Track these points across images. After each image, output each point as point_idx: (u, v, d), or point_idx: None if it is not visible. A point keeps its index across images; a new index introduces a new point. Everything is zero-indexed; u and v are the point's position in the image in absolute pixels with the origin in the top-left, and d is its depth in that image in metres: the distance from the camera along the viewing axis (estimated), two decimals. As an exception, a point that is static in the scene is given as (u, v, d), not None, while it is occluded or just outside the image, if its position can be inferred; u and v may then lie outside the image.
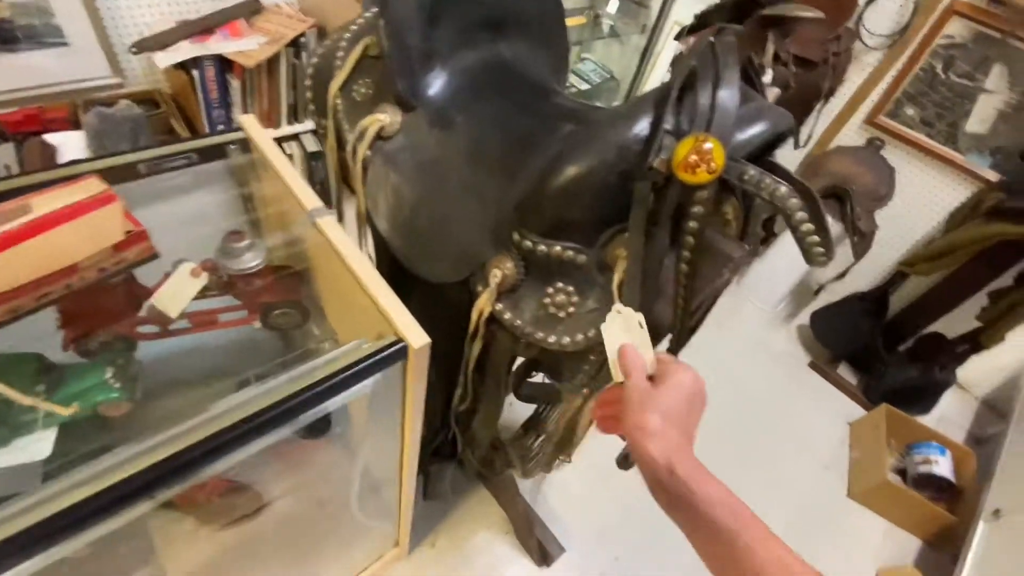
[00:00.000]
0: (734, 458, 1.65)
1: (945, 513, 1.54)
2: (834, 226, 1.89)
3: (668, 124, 0.44)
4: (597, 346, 0.53)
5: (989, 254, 1.55)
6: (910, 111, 1.91)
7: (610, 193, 0.47)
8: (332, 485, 1.06)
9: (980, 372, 2.02)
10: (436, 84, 0.63)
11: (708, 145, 0.41)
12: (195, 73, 1.56)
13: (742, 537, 0.37)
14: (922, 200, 1.94)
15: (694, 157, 0.41)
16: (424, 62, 0.63)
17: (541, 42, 0.73)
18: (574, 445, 0.85)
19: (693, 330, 0.59)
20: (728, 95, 0.43)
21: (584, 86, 2.66)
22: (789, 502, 1.60)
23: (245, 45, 1.59)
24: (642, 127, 0.45)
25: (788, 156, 2.22)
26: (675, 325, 0.50)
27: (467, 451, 0.90)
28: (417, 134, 0.63)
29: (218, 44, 1.56)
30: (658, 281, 0.49)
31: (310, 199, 0.62)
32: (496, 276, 0.53)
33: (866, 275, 2.13)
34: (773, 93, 1.63)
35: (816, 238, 0.43)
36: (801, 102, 1.76)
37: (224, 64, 1.60)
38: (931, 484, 1.64)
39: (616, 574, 1.37)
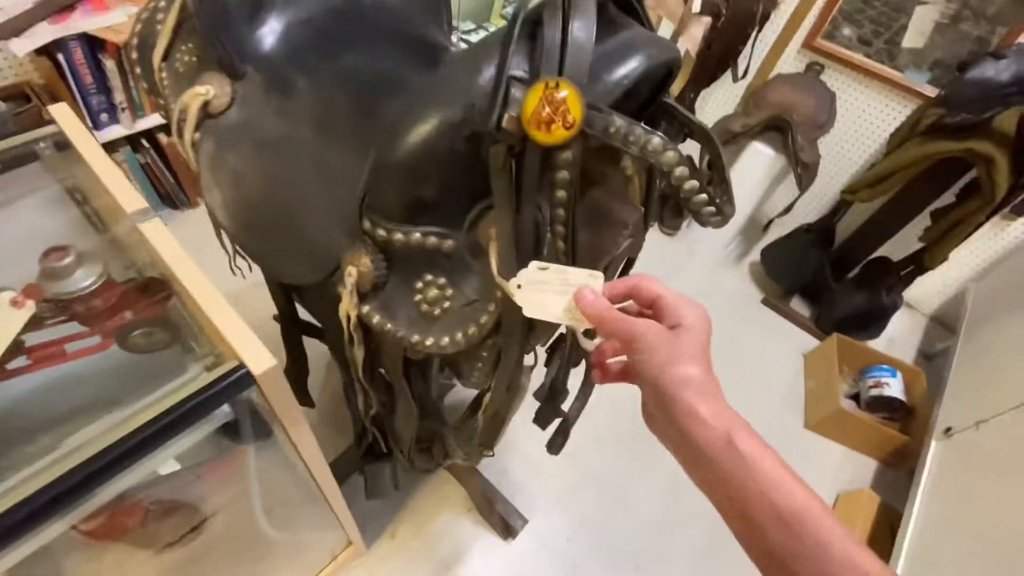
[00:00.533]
0: None
1: (898, 434, 1.58)
2: (777, 159, 1.84)
3: (518, 69, 0.35)
4: (486, 340, 0.45)
5: (929, 174, 1.53)
6: (847, 31, 1.84)
7: (464, 162, 0.38)
8: (276, 489, 1.00)
9: (927, 290, 2.05)
10: (269, 39, 0.51)
11: (562, 93, 0.32)
12: (61, 58, 1.36)
13: (813, 535, 0.29)
14: (863, 124, 1.90)
15: (547, 110, 0.32)
16: (249, 12, 0.50)
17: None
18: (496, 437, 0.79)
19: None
20: (582, 26, 0.33)
21: (514, 32, 2.49)
22: (750, 441, 1.61)
23: (113, 19, 1.39)
24: (489, 75, 0.36)
25: (731, 91, 2.14)
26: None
27: (396, 450, 0.84)
28: (253, 106, 0.51)
29: (81, 21, 1.36)
30: (539, 256, 0.40)
31: (132, 200, 0.51)
32: (351, 275, 0.44)
33: (812, 206, 2.12)
34: (703, 22, 1.53)
35: (703, 197, 0.35)
36: (735, 30, 1.66)
37: (94, 43, 1.40)
38: (884, 406, 1.68)
39: (583, 536, 1.36)
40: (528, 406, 0.65)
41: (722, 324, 1.70)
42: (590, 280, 0.37)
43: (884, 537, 1.41)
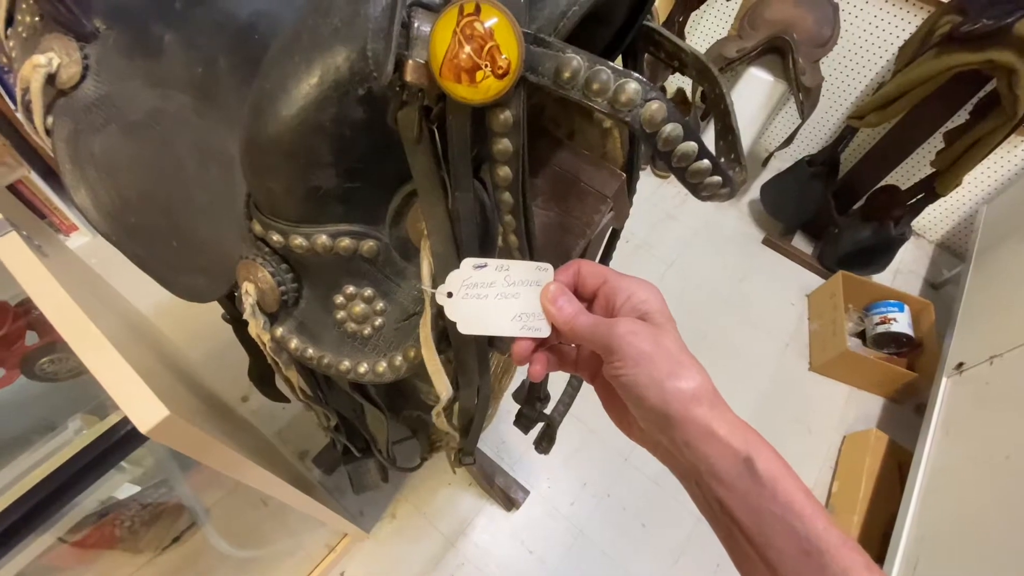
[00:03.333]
0: (695, 348, 1.58)
1: (906, 371, 1.53)
2: (777, 85, 1.69)
3: None
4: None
5: (943, 91, 1.39)
6: (851, -70, 1.64)
7: (367, 134, 0.27)
8: (255, 492, 0.96)
9: (934, 216, 1.95)
10: (121, -15, 0.39)
11: (487, 22, 0.21)
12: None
13: (834, 566, 0.25)
14: (869, 38, 1.73)
15: (467, 50, 0.21)
16: (89, -52, 0.38)
17: None
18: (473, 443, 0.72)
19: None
20: None
21: None
22: (753, 386, 1.57)
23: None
24: (381, 4, 0.24)
25: (723, 12, 1.95)
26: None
27: (375, 452, 0.76)
28: (112, 75, 0.39)
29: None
30: (491, 252, 0.31)
31: (-21, 208, 0.40)
32: (248, 293, 0.34)
33: (814, 136, 1.98)
34: (691, -69, 1.34)
35: (704, 164, 0.25)
36: (727, -62, 1.46)
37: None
38: (891, 341, 1.62)
39: (587, 500, 1.33)
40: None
41: (722, 267, 1.62)
42: (539, 275, 0.28)
43: (892, 476, 1.39)
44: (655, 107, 0.23)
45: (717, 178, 0.25)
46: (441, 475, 1.33)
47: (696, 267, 1.83)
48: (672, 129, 0.23)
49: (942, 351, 1.46)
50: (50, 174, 1.47)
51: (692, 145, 0.24)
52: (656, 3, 1.66)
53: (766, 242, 1.93)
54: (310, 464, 1.27)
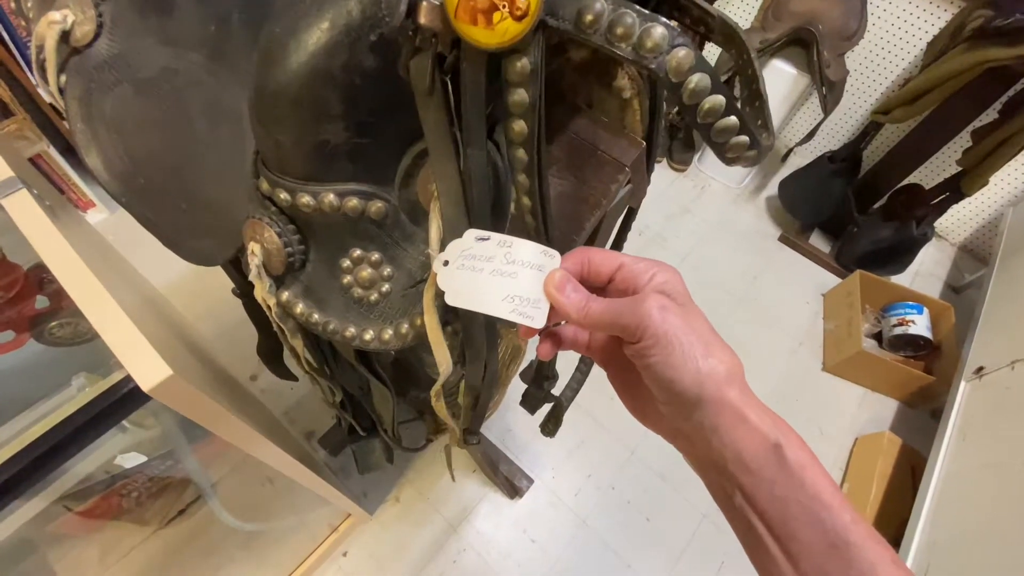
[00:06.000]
0: None
1: (923, 374, 1.49)
2: (800, 78, 1.65)
3: None
4: (445, 328, 0.35)
5: (972, 87, 1.35)
6: (883, -81, 1.59)
7: (377, 86, 0.26)
8: (262, 468, 0.97)
9: (958, 218, 1.90)
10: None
11: (508, -42, 0.20)
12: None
13: (861, 560, 0.24)
14: (896, 32, 1.69)
15: (482, -10, 0.20)
16: None
17: None
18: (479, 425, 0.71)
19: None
20: None
21: None
22: (765, 384, 1.55)
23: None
24: None
25: (746, 1, 1.91)
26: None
27: (380, 429, 0.76)
28: (126, 33, 0.39)
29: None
30: (502, 218, 0.30)
31: (-8, 166, 0.40)
32: (255, 254, 0.33)
33: (836, 131, 1.93)
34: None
35: (732, 121, 0.23)
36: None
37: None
38: (908, 344, 1.59)
39: (592, 491, 1.32)
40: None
41: (736, 263, 1.60)
42: (544, 259, 0.27)
43: (904, 480, 1.36)
44: (682, 54, 0.21)
45: (744, 138, 0.24)
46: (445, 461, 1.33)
47: (710, 262, 1.80)
48: (700, 80, 0.22)
49: (961, 355, 1.43)
50: (69, 150, 1.49)
51: (720, 99, 0.23)
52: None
53: (783, 239, 1.89)
54: (316, 445, 1.28)
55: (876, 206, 1.73)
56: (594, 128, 0.34)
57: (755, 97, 0.28)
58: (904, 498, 1.28)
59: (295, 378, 0.94)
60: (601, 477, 1.34)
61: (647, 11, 0.21)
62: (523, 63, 0.22)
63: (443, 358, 0.34)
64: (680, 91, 0.22)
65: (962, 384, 1.33)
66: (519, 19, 0.21)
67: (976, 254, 1.90)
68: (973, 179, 1.40)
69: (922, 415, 1.56)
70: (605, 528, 1.27)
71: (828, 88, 1.59)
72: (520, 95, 0.23)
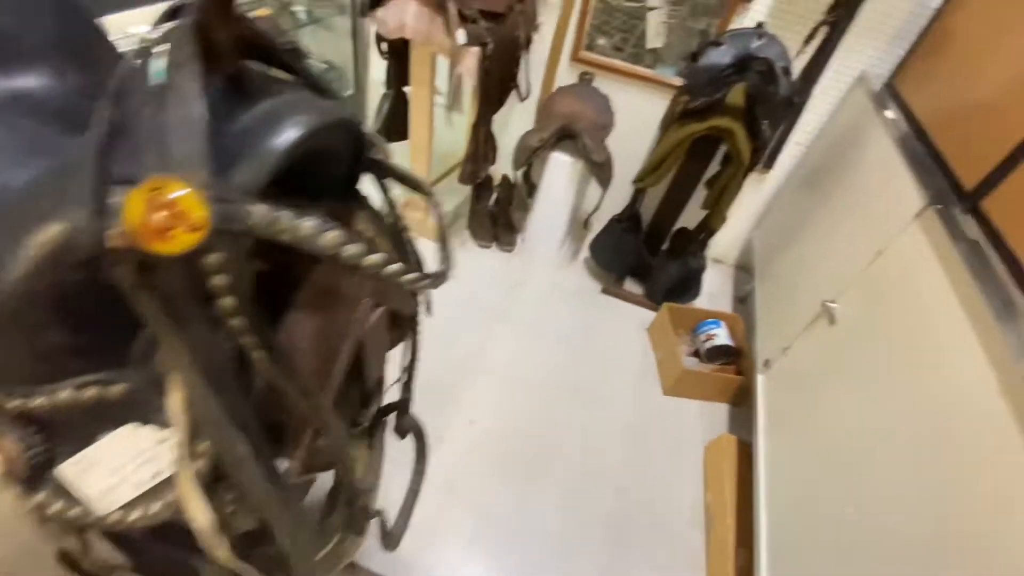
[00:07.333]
0: (566, 397, 1.73)
1: (735, 376, 1.79)
2: (576, 163, 2.00)
3: (125, 167, 0.29)
4: (217, 486, 0.38)
5: (694, 151, 1.77)
6: (602, 41, 2.06)
7: (87, 293, 0.31)
8: None
9: (726, 245, 2.37)
10: None
11: (174, 193, 0.27)
12: None
13: None
14: (637, 118, 2.14)
15: (161, 215, 0.27)
16: None
17: (80, 66, 0.53)
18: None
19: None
20: (186, 110, 0.29)
21: (301, 86, 2.40)
22: (620, 421, 1.71)
23: None
24: (84, 182, 0.29)
25: (528, 109, 2.27)
26: (297, 428, 0.37)
27: None
28: None
29: None
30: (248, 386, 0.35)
31: None
32: (-4, 463, 0.35)
33: (618, 198, 2.33)
34: (473, 52, 1.61)
35: (396, 268, 0.33)
36: (506, 56, 1.77)
37: None
38: (720, 354, 1.89)
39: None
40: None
41: (573, 320, 1.79)
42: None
43: (748, 472, 1.57)
44: (331, 236, 0.31)
45: (413, 276, 0.34)
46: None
47: (551, 324, 1.99)
48: (351, 250, 0.31)
49: (754, 353, 1.75)
50: None
51: (377, 257, 0.32)
52: (465, 104, 1.89)
53: (605, 291, 2.18)
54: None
55: (663, 249, 2.10)
56: (333, 272, 0.43)
57: (408, 245, 0.38)
58: (750, 489, 1.48)
59: None
60: (500, 563, 1.34)
61: (299, 212, 0.30)
62: (214, 257, 0.30)
63: (201, 516, 0.35)
64: (337, 258, 0.31)
65: (759, 377, 1.62)
66: (196, 230, 0.28)
67: (747, 269, 2.37)
68: (715, 217, 1.80)
69: (747, 411, 1.83)
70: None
71: (598, 168, 1.94)
72: (220, 280, 0.30)
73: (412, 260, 0.35)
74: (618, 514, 1.49)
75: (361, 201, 0.46)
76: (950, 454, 0.85)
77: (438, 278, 0.36)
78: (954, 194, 1.10)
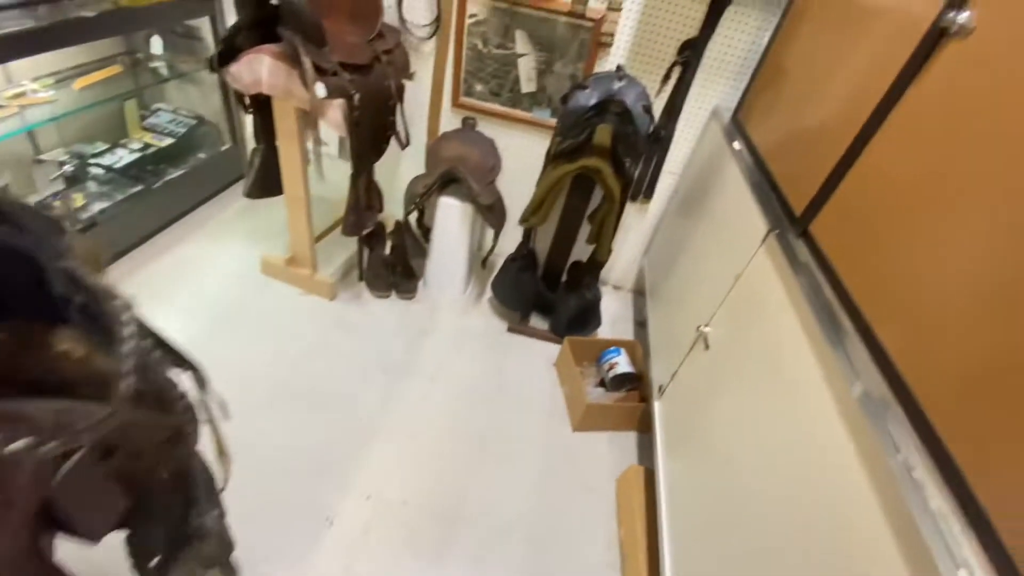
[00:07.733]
0: (480, 452, 1.66)
1: (636, 404, 1.81)
2: (465, 206, 2.00)
3: None
4: None
5: (572, 189, 1.82)
6: (479, 87, 2.10)
7: None
8: None
9: (621, 274, 2.45)
10: None
11: None
12: None
13: None
14: (523, 159, 2.19)
15: None
16: None
17: None
18: None
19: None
20: None
21: (168, 141, 2.26)
22: (530, 463, 1.67)
23: None
24: None
25: (416, 155, 2.26)
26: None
27: None
28: None
29: None
30: None
31: None
32: None
33: (516, 235, 2.35)
34: (338, 104, 1.57)
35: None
36: (377, 106, 1.75)
37: None
38: (623, 381, 1.91)
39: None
40: None
41: (480, 364, 1.75)
42: None
43: (655, 501, 1.57)
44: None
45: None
46: None
47: (458, 372, 1.94)
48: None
49: (650, 379, 1.78)
50: None
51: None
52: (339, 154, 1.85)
53: (511, 329, 2.16)
54: None
55: (563, 283, 2.13)
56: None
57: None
58: (654, 517, 1.47)
59: None
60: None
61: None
62: None
63: None
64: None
65: (656, 404, 1.65)
66: None
67: (643, 294, 2.45)
68: (601, 250, 1.84)
69: (652, 438, 1.86)
70: None
71: (487, 210, 1.95)
72: None
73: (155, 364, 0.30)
74: (532, 568, 1.43)
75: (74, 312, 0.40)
76: (808, 478, 0.87)
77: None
78: (787, 220, 1.18)
